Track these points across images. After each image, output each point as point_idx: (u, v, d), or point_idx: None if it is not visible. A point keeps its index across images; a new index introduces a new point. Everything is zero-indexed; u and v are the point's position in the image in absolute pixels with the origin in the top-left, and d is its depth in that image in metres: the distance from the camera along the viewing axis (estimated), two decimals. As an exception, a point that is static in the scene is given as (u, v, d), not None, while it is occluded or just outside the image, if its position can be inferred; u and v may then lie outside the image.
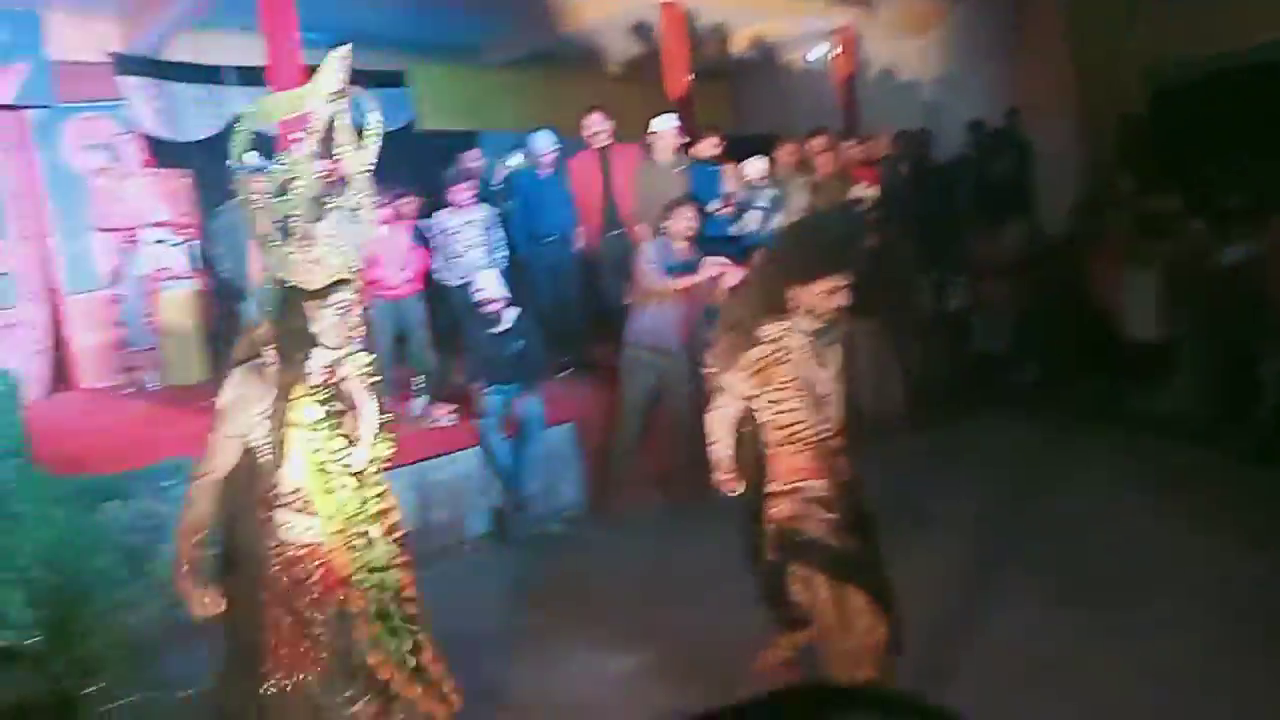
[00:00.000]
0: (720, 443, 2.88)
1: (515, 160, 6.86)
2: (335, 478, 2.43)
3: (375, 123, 2.53)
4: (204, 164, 7.92)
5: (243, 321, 5.66)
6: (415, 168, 8.64)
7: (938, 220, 7.46)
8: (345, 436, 2.47)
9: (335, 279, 2.43)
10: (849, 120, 9.36)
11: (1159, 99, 8.69)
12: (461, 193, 5.95)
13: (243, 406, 2.40)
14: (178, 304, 7.53)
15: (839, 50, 9.74)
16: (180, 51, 8.07)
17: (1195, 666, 3.14)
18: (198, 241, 7.76)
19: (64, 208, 7.57)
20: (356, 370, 2.54)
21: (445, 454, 5.06)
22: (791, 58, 10.50)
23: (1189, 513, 4.47)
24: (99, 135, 7.77)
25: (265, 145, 6.90)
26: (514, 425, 5.17)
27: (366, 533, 2.46)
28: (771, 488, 2.76)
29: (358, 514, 2.46)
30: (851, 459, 2.80)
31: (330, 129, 2.48)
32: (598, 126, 6.31)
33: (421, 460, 4.92)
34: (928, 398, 6.40)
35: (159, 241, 7.61)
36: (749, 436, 2.84)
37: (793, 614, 2.79)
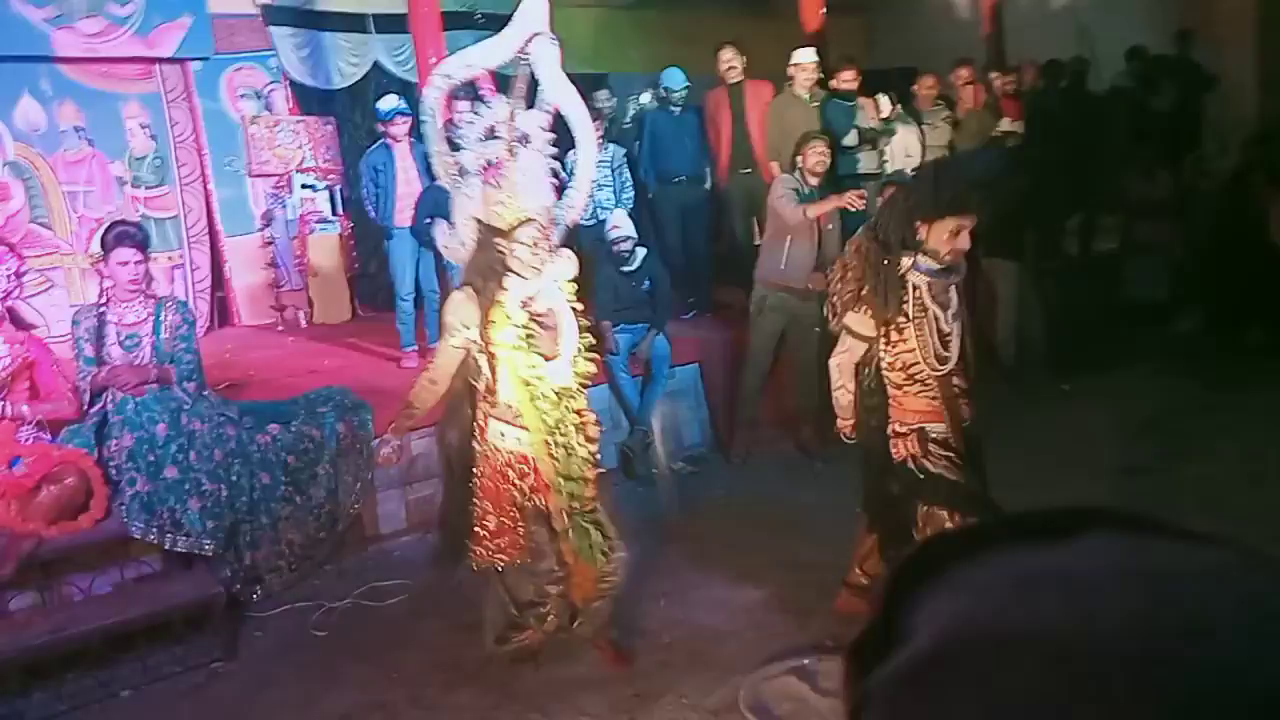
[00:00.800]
0: (842, 388, 2.90)
1: (645, 99, 6.81)
2: (538, 392, 2.73)
3: (555, 62, 2.84)
4: (347, 110, 8.25)
5: (388, 261, 5.91)
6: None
7: (1090, 157, 6.99)
8: (543, 355, 2.74)
9: (524, 218, 2.66)
10: (995, 50, 8.82)
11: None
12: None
13: (459, 324, 2.72)
14: (324, 247, 7.93)
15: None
16: (326, 1, 8.36)
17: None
18: (341, 186, 8.13)
19: (221, 155, 8.05)
20: (557, 295, 2.84)
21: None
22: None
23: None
24: (252, 84, 8.19)
25: (409, 91, 7.16)
26: (641, 364, 5.22)
27: (566, 444, 2.79)
28: (894, 429, 2.76)
29: (559, 427, 2.77)
30: (974, 400, 2.76)
31: (529, 77, 2.80)
32: (730, 62, 6.19)
33: (552, 396, 5.03)
34: (1072, 344, 6.07)
35: (306, 186, 8.01)
36: (872, 378, 2.83)
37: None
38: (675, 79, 6.31)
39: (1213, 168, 7.30)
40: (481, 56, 2.96)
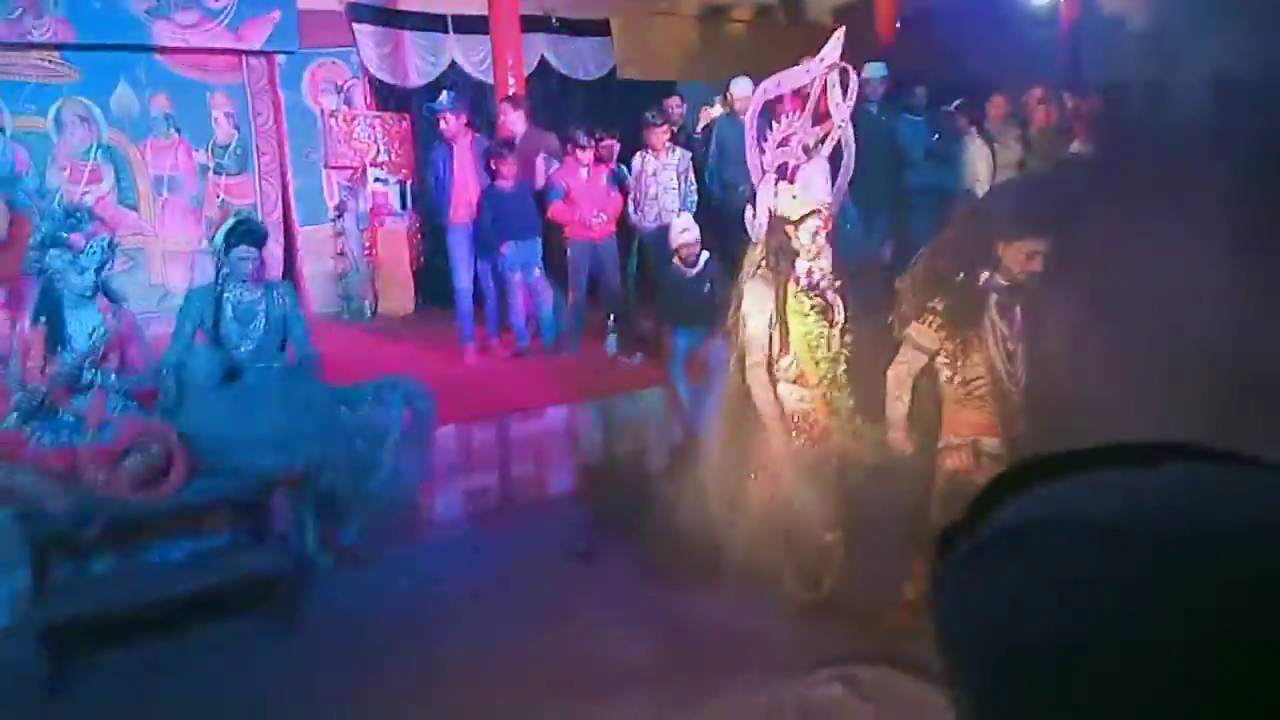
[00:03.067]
0: (899, 399, 2.92)
1: (716, 108, 6.87)
2: (820, 354, 3.29)
3: (851, 88, 3.38)
4: (421, 108, 8.46)
5: (450, 258, 6.06)
6: (616, 113, 8.85)
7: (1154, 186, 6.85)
8: (828, 322, 3.29)
9: (810, 210, 3.22)
10: (1071, 71, 8.71)
11: None
12: (660, 137, 6.04)
13: (756, 301, 3.31)
14: (392, 240, 8.14)
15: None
16: (409, 0, 8.59)
17: None
18: (411, 181, 8.33)
19: (300, 146, 8.31)
20: (829, 274, 3.35)
21: (631, 391, 5.24)
22: (1012, 2, 9.84)
23: None
24: (333, 79, 8.45)
25: (478, 95, 7.31)
26: (700, 368, 5.27)
27: (835, 399, 3.31)
28: (945, 441, 2.78)
29: (832, 384, 3.31)
30: (1030, 417, 2.75)
31: (823, 92, 3.37)
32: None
33: (609, 395, 5.11)
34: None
35: (379, 180, 8.23)
36: (926, 390, 2.87)
37: None
38: (743, 87, 6.36)
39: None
40: (788, 79, 3.56)
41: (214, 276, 4.18)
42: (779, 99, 3.76)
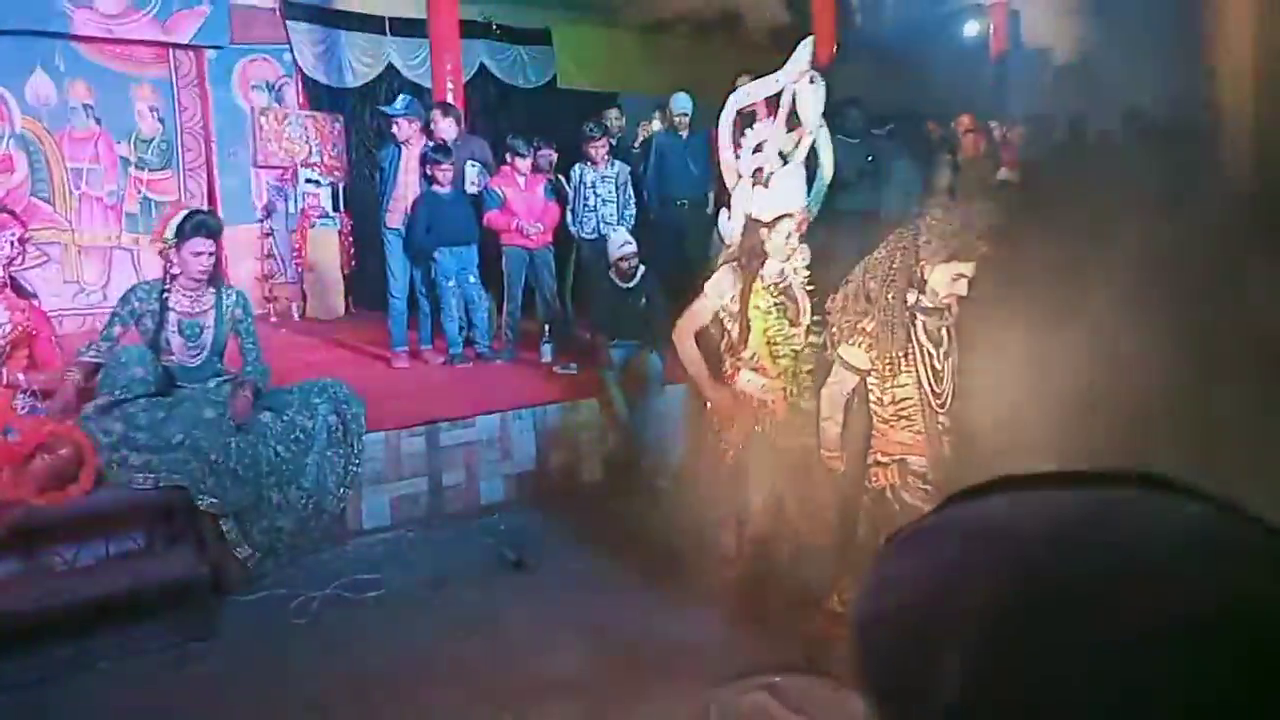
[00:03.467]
0: (831, 419, 2.97)
1: (655, 122, 6.92)
2: (781, 349, 3.46)
3: (817, 97, 3.53)
4: (357, 109, 8.33)
5: (386, 259, 5.96)
6: (554, 123, 8.84)
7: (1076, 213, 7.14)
8: (789, 321, 3.47)
9: (781, 214, 3.39)
10: (998, 101, 9.02)
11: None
12: (599, 148, 6.06)
13: (719, 290, 3.48)
14: (323, 242, 7.98)
15: (992, 27, 9.39)
16: (346, 0, 8.45)
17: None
18: (345, 183, 8.18)
19: (227, 144, 8.10)
20: (798, 276, 3.53)
21: (566, 401, 5.22)
22: (944, 31, 10.16)
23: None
24: (264, 77, 8.26)
25: (421, 93, 7.22)
26: (634, 380, 5.28)
27: (796, 390, 3.47)
28: (876, 458, 2.83)
29: (794, 376, 3.47)
30: (957, 436, 2.82)
31: (793, 101, 3.51)
32: (743, 91, 6.31)
33: (544, 404, 5.08)
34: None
35: (310, 181, 8.07)
36: (858, 409, 2.92)
37: None
38: (682, 103, 6.43)
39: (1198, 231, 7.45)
40: (761, 87, 3.69)
41: (162, 276, 3.92)
42: (752, 107, 3.91)
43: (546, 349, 5.78)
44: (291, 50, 8.24)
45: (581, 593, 3.90)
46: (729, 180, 3.70)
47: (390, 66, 8.61)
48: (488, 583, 4.03)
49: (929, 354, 2.79)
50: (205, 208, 5.15)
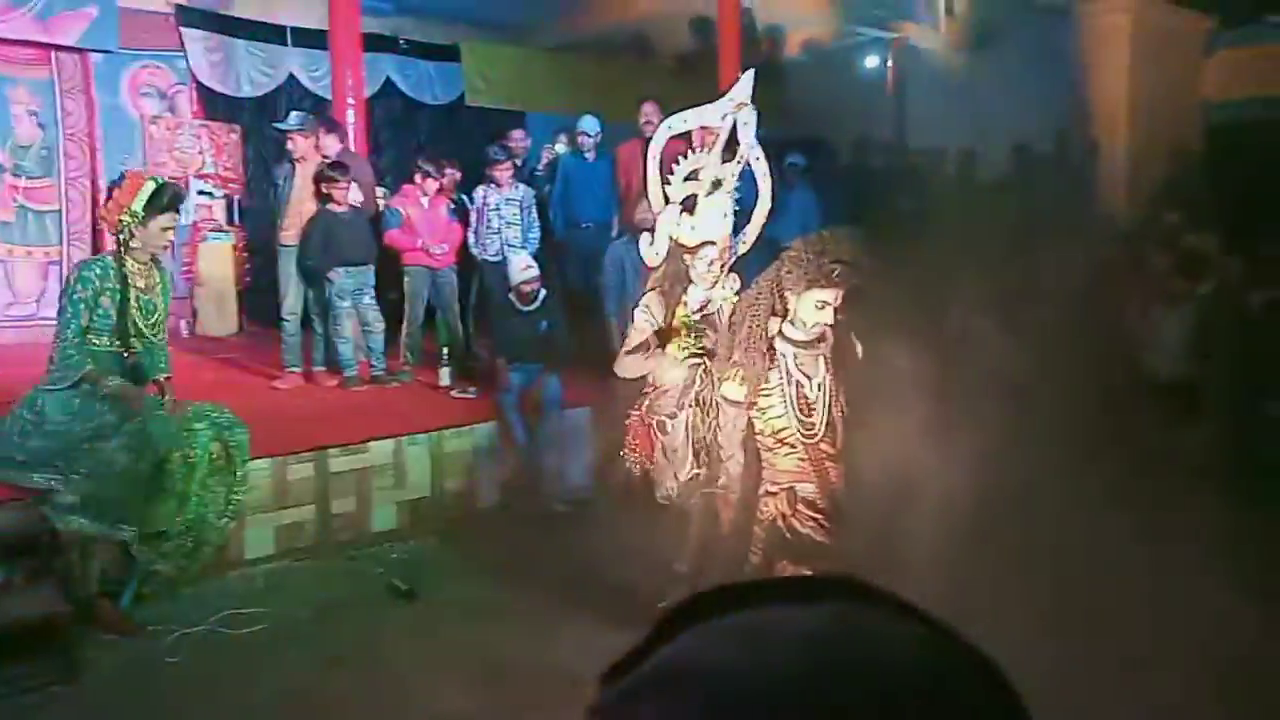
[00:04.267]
0: (732, 458, 2.99)
1: (560, 145, 6.92)
2: (697, 375, 3.48)
3: (754, 127, 3.57)
4: (255, 120, 8.08)
5: (280, 277, 5.78)
6: (460, 141, 8.75)
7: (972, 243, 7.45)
8: (704, 347, 3.48)
9: (705, 240, 3.44)
10: (897, 130, 9.35)
11: (1214, 136, 8.59)
12: (503, 171, 6.02)
13: (648, 315, 3.52)
14: (215, 256, 7.70)
15: (892, 59, 9.74)
16: (244, 8, 8.20)
17: (1178, 705, 3.15)
18: (240, 196, 7.92)
19: (115, 152, 7.74)
20: (722, 304, 3.53)
21: (463, 425, 5.15)
22: (845, 63, 10.48)
23: (1188, 551, 4.42)
24: (156, 84, 7.94)
25: (324, 106, 7.05)
26: (533, 404, 5.25)
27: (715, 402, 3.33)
28: (765, 488, 2.86)
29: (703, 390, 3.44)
30: (841, 463, 2.88)
31: (732, 131, 3.56)
32: (650, 117, 6.36)
33: (440, 429, 5.00)
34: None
35: (203, 193, 7.78)
36: (748, 440, 2.95)
37: None
38: (590, 125, 6.45)
39: (1083, 260, 7.83)
40: (698, 116, 3.69)
41: (117, 250, 3.63)
42: (686, 134, 3.93)
43: (445, 372, 5.69)
44: (186, 57, 7.95)
45: (475, 623, 3.83)
46: (655, 205, 3.70)
47: (291, 78, 8.39)
48: (376, 614, 3.93)
49: (798, 383, 2.82)
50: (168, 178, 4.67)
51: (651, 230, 3.71)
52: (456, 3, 8.70)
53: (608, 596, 3.94)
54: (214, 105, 8.08)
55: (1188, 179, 8.49)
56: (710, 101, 3.76)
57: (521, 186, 6.14)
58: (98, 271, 3.64)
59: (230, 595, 3.97)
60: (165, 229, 3.58)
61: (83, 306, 3.58)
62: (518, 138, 6.69)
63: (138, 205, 3.54)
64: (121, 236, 3.60)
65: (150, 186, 3.61)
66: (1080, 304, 7.24)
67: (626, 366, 3.60)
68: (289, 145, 5.69)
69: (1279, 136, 7.73)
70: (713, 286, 3.53)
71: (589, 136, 6.42)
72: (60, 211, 7.54)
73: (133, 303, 3.65)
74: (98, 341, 3.66)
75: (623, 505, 3.87)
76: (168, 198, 3.60)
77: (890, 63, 9.81)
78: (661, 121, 6.27)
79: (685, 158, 3.64)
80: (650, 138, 6.40)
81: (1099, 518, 4.88)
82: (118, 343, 3.67)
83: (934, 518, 4.74)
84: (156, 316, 3.78)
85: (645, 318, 3.58)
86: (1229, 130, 8.39)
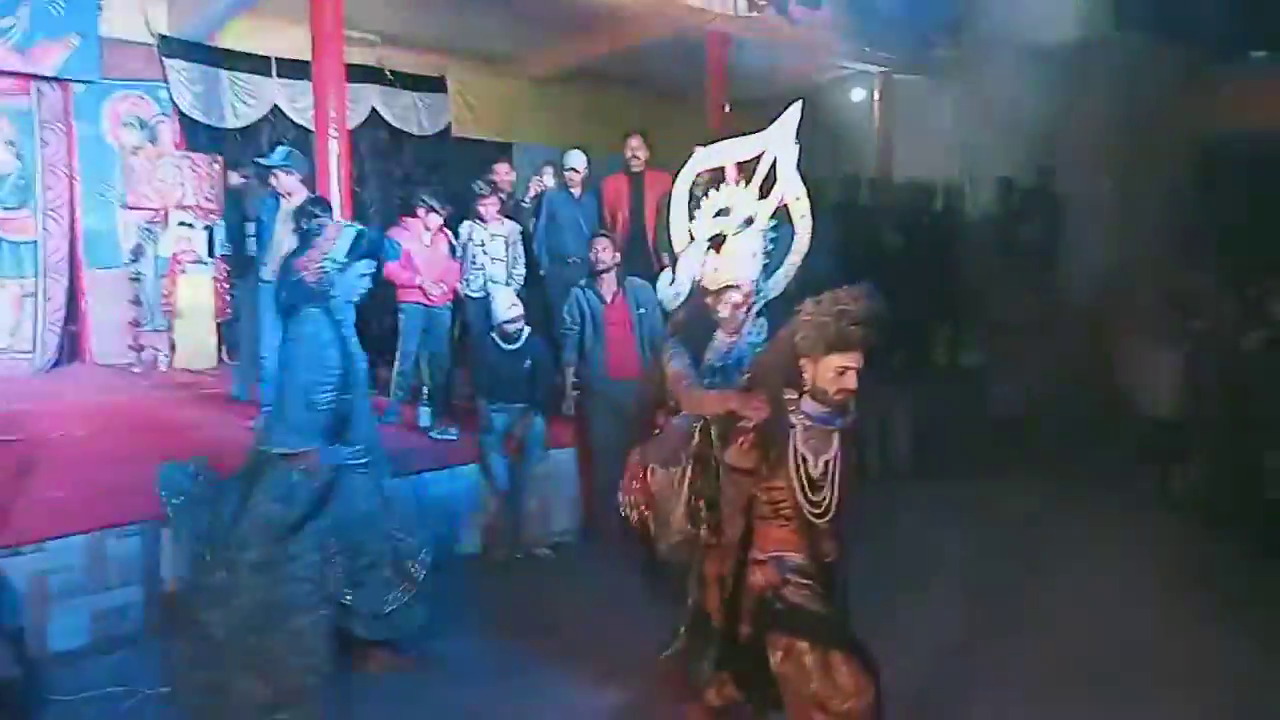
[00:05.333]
0: (731, 527, 2.80)
1: (547, 178, 6.84)
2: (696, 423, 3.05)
3: (794, 162, 3.28)
4: (238, 151, 7.98)
5: (260, 313, 5.66)
6: (447, 173, 8.67)
7: (960, 279, 7.42)
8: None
9: (728, 284, 3.17)
10: (883, 166, 9.33)
11: (1206, 171, 8.58)
12: (489, 207, 5.93)
13: (672, 358, 3.13)
14: (195, 288, 7.57)
15: (876, 94, 9.74)
16: (227, 39, 8.13)
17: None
18: (221, 227, 7.79)
19: (94, 183, 7.63)
20: (745, 350, 3.22)
21: (445, 467, 5.02)
22: (832, 99, 10.47)
23: (1185, 600, 4.34)
24: (138, 114, 7.85)
25: (301, 142, 6.95)
26: (516, 445, 5.13)
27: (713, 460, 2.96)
28: (754, 555, 2.70)
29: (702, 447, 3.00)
30: (838, 539, 2.72)
31: (771, 168, 3.27)
32: (636, 151, 6.31)
33: (421, 471, 4.87)
34: (934, 453, 6.29)
35: (183, 224, 7.66)
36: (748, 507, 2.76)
37: (767, 693, 2.73)
38: (576, 160, 6.38)
39: (1072, 299, 7.80)
40: (733, 149, 3.41)
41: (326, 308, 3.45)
42: (720, 169, 3.53)
43: (425, 412, 5.56)
44: (168, 87, 7.86)
45: (450, 682, 3.68)
46: (678, 244, 3.42)
47: (276, 108, 8.31)
48: (356, 678, 3.76)
49: (805, 459, 2.60)
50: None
51: (672, 268, 3.42)
52: (439, 32, 8.66)
53: (585, 652, 3.81)
54: (196, 136, 7.98)
55: (1180, 213, 8.49)
56: (696, 130, 3.59)
57: (507, 222, 6.05)
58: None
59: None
60: (363, 276, 3.55)
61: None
62: (503, 172, 6.61)
63: (340, 256, 3.47)
64: (321, 285, 3.48)
65: (349, 235, 3.56)
66: (1070, 340, 7.21)
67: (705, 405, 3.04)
68: (272, 180, 5.58)
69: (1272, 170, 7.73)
70: (735, 333, 3.25)
71: (575, 172, 6.35)
72: (38, 243, 7.41)
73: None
74: None
75: (615, 553, 3.62)
76: (369, 243, 3.59)
77: (876, 95, 9.81)
78: (645, 157, 6.33)
79: (716, 191, 3.35)
80: (637, 172, 6.41)
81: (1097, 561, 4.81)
82: None
83: (926, 573, 4.66)
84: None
85: (679, 355, 3.20)
86: (1222, 162, 8.39)
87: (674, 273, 3.41)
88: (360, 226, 3.70)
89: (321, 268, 3.45)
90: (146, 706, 3.39)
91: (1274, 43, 9.13)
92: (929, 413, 6.99)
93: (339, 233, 3.56)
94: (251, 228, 5.96)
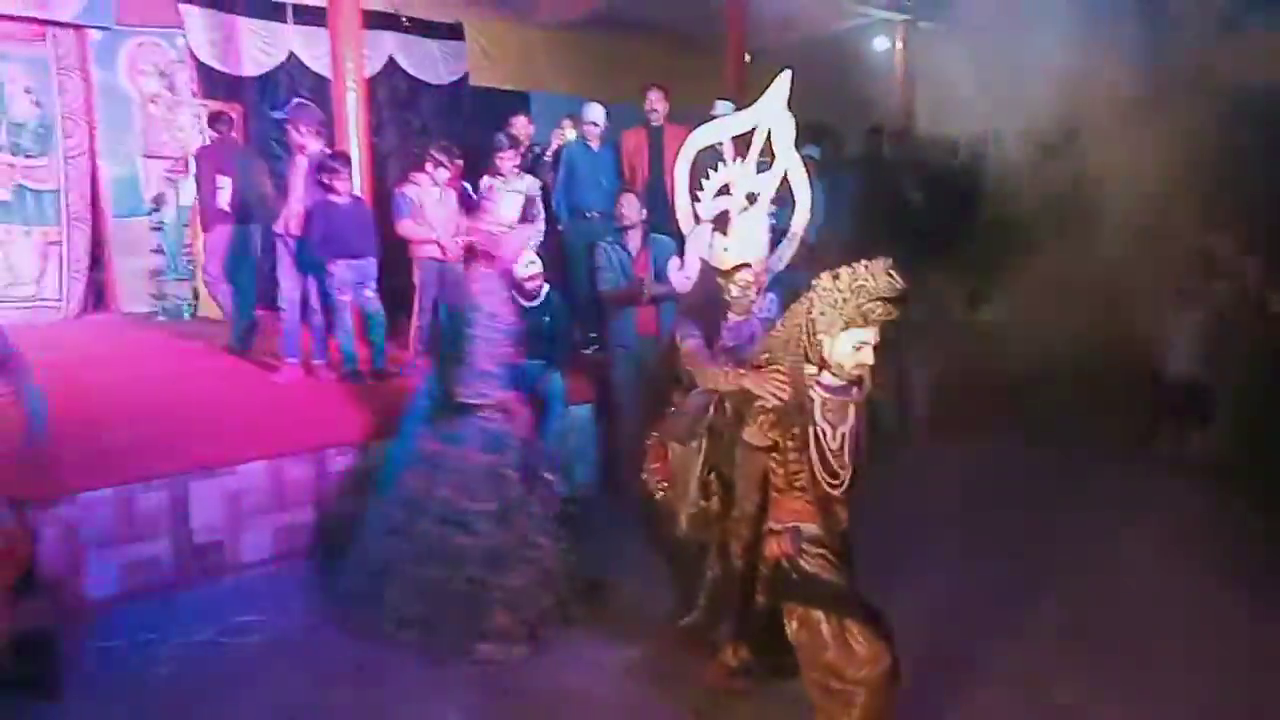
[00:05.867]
0: (748, 500, 2.84)
1: (568, 132, 6.77)
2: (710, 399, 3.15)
3: (790, 133, 3.28)
4: (255, 99, 7.93)
5: (278, 264, 5.67)
6: (465, 124, 8.59)
7: (981, 234, 7.33)
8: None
9: (740, 263, 3.19)
10: (905, 117, 9.17)
11: (1234, 130, 8.35)
12: (507, 161, 5.88)
13: (686, 338, 3.16)
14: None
15: (899, 43, 9.53)
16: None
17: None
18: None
19: (114, 131, 7.62)
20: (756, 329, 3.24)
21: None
22: (853, 48, 10.26)
23: (1203, 559, 4.37)
24: (155, 61, 7.80)
25: (317, 85, 6.88)
26: (536, 400, 5.15)
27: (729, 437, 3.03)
28: (769, 527, 2.73)
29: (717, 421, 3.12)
30: (850, 508, 2.74)
31: (767, 139, 3.27)
32: (655, 105, 6.23)
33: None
34: (948, 412, 6.29)
35: (204, 172, 7.64)
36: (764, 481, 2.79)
37: (783, 660, 2.79)
38: (595, 113, 6.31)
39: (1095, 257, 7.69)
40: (728, 126, 3.41)
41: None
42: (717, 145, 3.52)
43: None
44: (184, 34, 7.79)
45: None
46: (684, 225, 3.41)
47: (292, 56, 8.23)
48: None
49: (823, 432, 2.61)
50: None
51: (680, 254, 3.44)
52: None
53: (605, 607, 3.89)
54: (214, 84, 7.92)
55: (1209, 170, 8.31)
56: (715, 79, 3.51)
57: (526, 177, 6.01)
58: None
59: (226, 602, 3.91)
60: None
61: None
62: (521, 124, 6.55)
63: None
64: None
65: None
66: (1092, 299, 7.13)
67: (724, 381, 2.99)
68: (289, 133, 5.56)
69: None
70: (746, 313, 3.26)
71: (595, 125, 6.28)
72: (59, 191, 7.43)
73: None
74: None
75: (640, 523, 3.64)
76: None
77: (899, 44, 9.60)
78: (665, 111, 6.24)
79: (715, 170, 3.33)
80: (656, 126, 6.32)
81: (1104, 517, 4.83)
82: None
83: (940, 528, 4.70)
84: None
85: (692, 335, 3.21)
86: (1255, 116, 8.17)
87: (682, 258, 3.42)
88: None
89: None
90: (189, 654, 3.50)
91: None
92: (947, 370, 6.96)
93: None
94: (221, 180, 5.99)
